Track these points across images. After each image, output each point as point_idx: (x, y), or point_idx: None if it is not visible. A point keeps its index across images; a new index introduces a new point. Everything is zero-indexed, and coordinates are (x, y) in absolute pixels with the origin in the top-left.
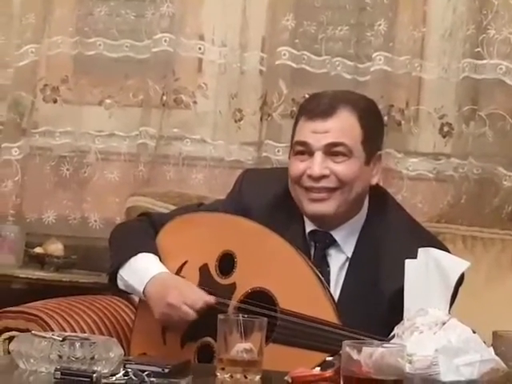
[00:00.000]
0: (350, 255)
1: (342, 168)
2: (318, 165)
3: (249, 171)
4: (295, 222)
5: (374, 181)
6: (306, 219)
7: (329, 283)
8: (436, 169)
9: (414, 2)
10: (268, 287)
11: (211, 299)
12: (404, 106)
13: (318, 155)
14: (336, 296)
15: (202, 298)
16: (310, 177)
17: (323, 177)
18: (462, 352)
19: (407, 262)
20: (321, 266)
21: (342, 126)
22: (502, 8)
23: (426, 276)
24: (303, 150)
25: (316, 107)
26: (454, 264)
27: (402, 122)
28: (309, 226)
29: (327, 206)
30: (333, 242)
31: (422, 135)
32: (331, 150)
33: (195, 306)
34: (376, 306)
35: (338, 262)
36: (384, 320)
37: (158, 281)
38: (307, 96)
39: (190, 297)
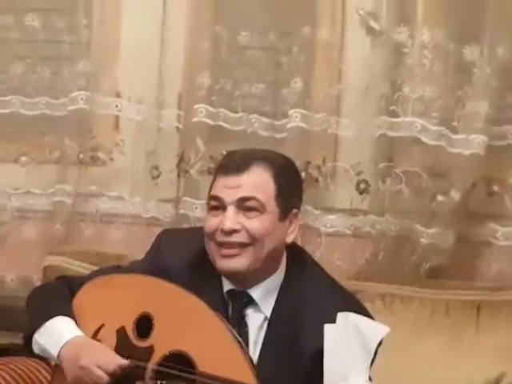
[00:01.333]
0: (268, 315)
1: (254, 223)
2: (229, 219)
3: (167, 231)
4: (213, 281)
5: (290, 239)
6: (223, 278)
7: (247, 344)
8: (353, 225)
9: (330, 60)
10: (186, 350)
11: (125, 362)
12: (321, 162)
13: (230, 209)
14: (255, 357)
15: (115, 360)
16: (222, 231)
17: (234, 231)
18: None
19: (326, 326)
20: (239, 327)
21: (255, 181)
22: (416, 66)
23: (345, 341)
24: (217, 204)
25: (230, 163)
26: (374, 330)
27: (319, 179)
28: (226, 286)
29: (239, 262)
30: (250, 302)
31: (339, 192)
32: (243, 205)
33: (108, 369)
34: (297, 366)
35: (256, 321)
36: (304, 380)
37: (72, 345)
38: (225, 153)
39: (103, 359)
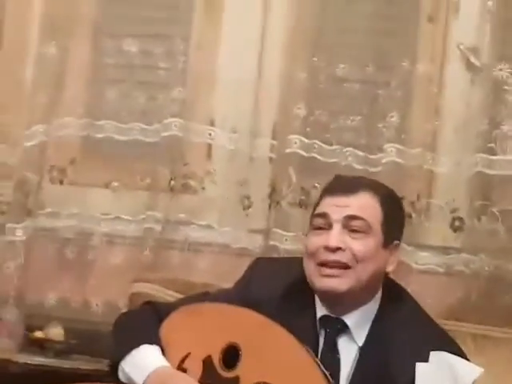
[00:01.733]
0: (360, 344)
1: (359, 244)
2: (335, 236)
3: (260, 260)
4: (306, 307)
5: (390, 268)
6: (317, 305)
7: (338, 373)
8: (446, 263)
9: (428, 95)
10: (272, 382)
11: None
12: (415, 198)
13: (337, 227)
14: None
15: None
16: (326, 248)
17: (339, 249)
18: None
19: (418, 365)
20: (331, 354)
21: (364, 204)
22: None
23: (436, 381)
24: (322, 223)
25: (338, 185)
26: (467, 370)
27: (413, 215)
28: (320, 312)
29: (339, 283)
30: (344, 329)
31: (432, 228)
32: (350, 224)
33: None
34: None
35: (348, 351)
36: None
37: (158, 376)
38: (317, 185)
39: None
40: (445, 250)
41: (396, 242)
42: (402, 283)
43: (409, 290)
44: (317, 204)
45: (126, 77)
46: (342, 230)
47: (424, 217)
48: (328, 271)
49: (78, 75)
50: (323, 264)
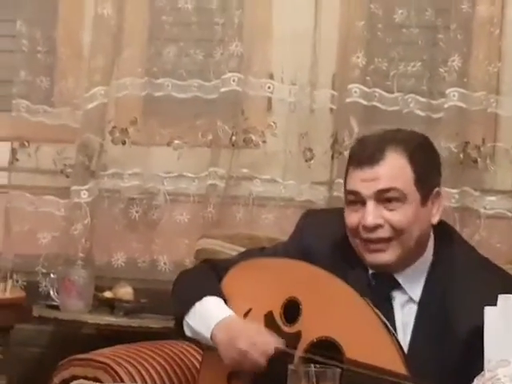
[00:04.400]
0: (417, 298)
1: (397, 216)
2: (370, 214)
3: (310, 212)
4: (358, 263)
5: (435, 220)
6: None
7: (394, 328)
8: None
9: (489, 37)
10: (333, 336)
11: (281, 344)
12: (480, 142)
13: (370, 204)
14: (406, 342)
15: (273, 343)
16: (364, 227)
17: (377, 226)
18: None
19: (486, 309)
20: (384, 309)
21: (392, 171)
22: None
23: (506, 324)
24: (355, 199)
25: (363, 154)
26: None
27: (479, 160)
28: (371, 268)
29: (387, 256)
30: (396, 285)
31: (499, 172)
32: (383, 197)
33: (267, 353)
34: (450, 348)
35: (402, 304)
36: (457, 367)
37: (226, 325)
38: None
39: (261, 343)
40: None
41: (436, 189)
42: (470, 229)
43: (477, 236)
44: (346, 174)
45: (182, 34)
46: (376, 205)
47: (490, 161)
48: (373, 247)
49: (135, 35)
50: (367, 240)
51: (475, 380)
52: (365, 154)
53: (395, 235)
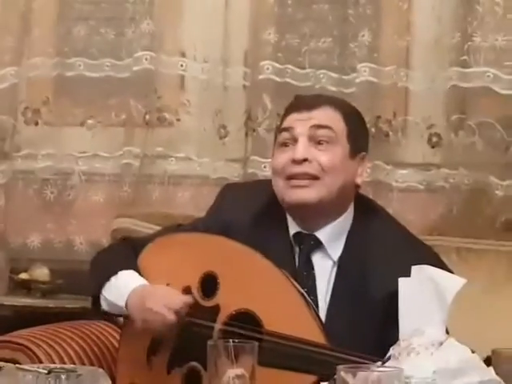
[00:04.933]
0: (336, 259)
1: (325, 155)
2: (301, 148)
3: (228, 186)
4: (279, 226)
5: (359, 180)
6: (289, 223)
7: (315, 289)
8: (426, 180)
9: (398, 12)
10: (252, 308)
11: (189, 298)
12: (391, 116)
13: (302, 140)
14: (325, 304)
15: (179, 297)
16: (292, 162)
17: (306, 160)
18: (460, 373)
19: (401, 280)
20: (306, 270)
21: (327, 115)
22: (487, 15)
23: (420, 294)
24: (287, 137)
25: (301, 102)
26: (450, 282)
27: (390, 133)
28: (293, 229)
29: (308, 193)
30: (318, 245)
31: (410, 146)
32: (315, 134)
33: (175, 307)
34: (368, 312)
35: (323, 266)
36: (374, 330)
37: (138, 291)
38: None
39: (167, 298)
40: (424, 167)
41: (363, 153)
42: (383, 202)
43: (390, 209)
44: (280, 123)
45: (93, 13)
46: (307, 143)
47: (401, 134)
48: (296, 182)
49: (44, 14)
50: (291, 177)
51: (391, 349)
52: (303, 102)
53: (321, 174)
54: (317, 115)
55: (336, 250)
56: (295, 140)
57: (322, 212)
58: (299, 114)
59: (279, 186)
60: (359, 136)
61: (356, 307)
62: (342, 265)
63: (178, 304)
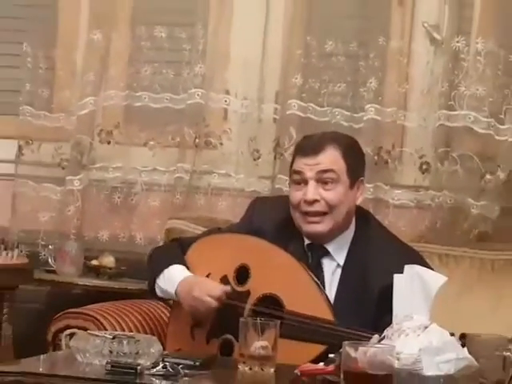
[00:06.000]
0: (341, 263)
1: (331, 194)
2: (310, 191)
3: (259, 199)
4: (296, 237)
5: (359, 201)
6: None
7: (324, 286)
8: (416, 199)
9: (399, 65)
10: (276, 292)
11: (227, 288)
12: (390, 147)
13: (311, 183)
14: (331, 297)
15: (219, 287)
16: (305, 201)
17: (315, 201)
18: (441, 351)
19: (395, 277)
20: (317, 272)
21: (330, 159)
22: (471, 69)
23: (411, 288)
24: (299, 178)
25: (307, 146)
26: (434, 278)
27: (389, 161)
28: (306, 240)
29: (321, 227)
30: (326, 253)
31: (404, 171)
32: (322, 177)
33: (214, 295)
34: (367, 303)
35: (330, 268)
36: (372, 315)
37: (185, 282)
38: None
39: (209, 288)
40: (415, 188)
41: (361, 178)
42: (381, 216)
43: (387, 221)
44: (292, 161)
45: (157, 57)
46: (316, 185)
47: (398, 162)
48: (310, 219)
49: (119, 57)
50: (305, 213)
51: (385, 331)
52: (309, 146)
53: (329, 210)
54: (322, 160)
55: (341, 255)
56: (306, 182)
57: (331, 234)
58: (307, 159)
59: (297, 217)
60: (356, 168)
61: (357, 299)
62: (346, 267)
63: (218, 292)
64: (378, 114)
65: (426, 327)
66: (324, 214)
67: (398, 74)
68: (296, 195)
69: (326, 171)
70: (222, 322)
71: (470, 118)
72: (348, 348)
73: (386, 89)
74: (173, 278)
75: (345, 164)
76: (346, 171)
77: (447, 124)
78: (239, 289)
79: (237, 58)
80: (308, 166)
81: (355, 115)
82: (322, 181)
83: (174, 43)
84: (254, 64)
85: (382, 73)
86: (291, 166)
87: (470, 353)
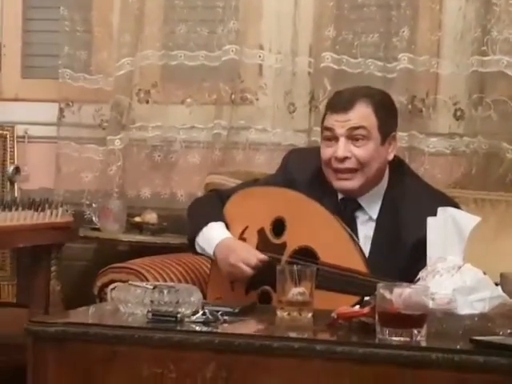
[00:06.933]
0: (375, 217)
1: (361, 151)
2: (341, 148)
3: (294, 150)
4: (330, 190)
5: (390, 157)
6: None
7: (358, 238)
8: (451, 146)
9: (431, 12)
10: (311, 245)
11: (264, 257)
12: (424, 96)
13: (342, 140)
14: (366, 250)
15: (256, 256)
16: (336, 159)
17: (346, 158)
18: (475, 290)
19: (429, 219)
20: (350, 225)
21: (360, 115)
22: (503, 14)
23: (444, 230)
24: (330, 135)
25: (338, 102)
26: (468, 219)
27: (423, 109)
28: (340, 195)
29: (352, 184)
30: (359, 207)
31: (439, 119)
32: (352, 134)
33: (251, 264)
34: (401, 255)
35: (363, 221)
36: (405, 268)
37: (223, 245)
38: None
39: (246, 256)
40: (450, 136)
41: (392, 133)
42: (417, 164)
43: (422, 169)
44: (323, 117)
45: (191, 15)
46: (346, 142)
47: (432, 110)
48: (341, 175)
49: (154, 16)
50: (336, 170)
51: (420, 273)
52: (340, 102)
53: (359, 167)
54: (352, 117)
55: (374, 209)
56: (336, 139)
57: (363, 189)
58: (338, 116)
59: (328, 174)
60: (388, 123)
61: (391, 252)
62: (380, 220)
63: (254, 261)
64: (411, 63)
65: (459, 267)
66: (355, 170)
67: (431, 22)
68: (327, 152)
69: (356, 128)
70: (260, 274)
71: (503, 63)
72: (383, 290)
73: (419, 37)
74: (211, 238)
75: (376, 120)
76: (377, 127)
77: (480, 70)
78: (276, 241)
79: (269, 12)
80: (338, 123)
81: (388, 65)
82: (352, 138)
83: (208, 1)
84: (287, 18)
85: (414, 21)
86: (322, 122)
87: (504, 291)
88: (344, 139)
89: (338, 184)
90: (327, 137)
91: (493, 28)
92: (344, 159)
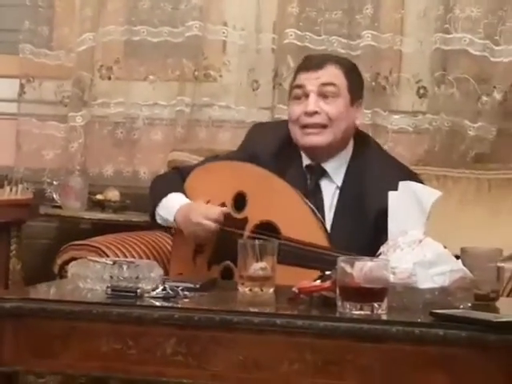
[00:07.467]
0: (339, 184)
1: (331, 107)
2: (312, 103)
3: (256, 125)
4: (295, 159)
5: (358, 122)
6: (303, 156)
7: (323, 209)
8: (414, 123)
9: None
10: (273, 219)
11: (224, 209)
12: (388, 73)
13: (312, 96)
14: (330, 219)
15: (216, 209)
16: (305, 114)
17: (316, 113)
18: (435, 264)
19: (390, 193)
20: (315, 194)
21: (331, 73)
22: None
23: (405, 204)
24: (300, 93)
25: (309, 62)
26: (429, 194)
27: (387, 87)
28: (305, 161)
29: (320, 139)
30: (324, 173)
31: (402, 97)
32: (323, 90)
33: (213, 217)
34: (364, 224)
35: (329, 190)
36: (368, 239)
37: (183, 209)
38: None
39: (207, 211)
40: (413, 113)
41: (360, 100)
42: (380, 141)
43: (386, 147)
44: (293, 79)
45: None
46: (317, 98)
47: (395, 88)
48: (309, 130)
49: None
50: (305, 126)
51: (381, 247)
52: (311, 62)
53: (329, 123)
54: (323, 74)
55: (339, 176)
56: (306, 95)
57: (329, 151)
58: (308, 74)
59: (296, 132)
60: (357, 87)
61: (354, 221)
62: (344, 188)
63: (216, 213)
64: (375, 40)
65: (420, 241)
66: (323, 126)
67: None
68: (296, 109)
69: (327, 84)
70: (222, 249)
71: (465, 41)
72: (343, 264)
73: (382, 15)
74: (171, 205)
75: (346, 80)
76: (346, 87)
77: (443, 47)
78: (237, 216)
79: None
80: (309, 80)
81: (352, 42)
82: (322, 94)
83: None
84: None
85: None
86: (291, 83)
87: (465, 265)
88: (314, 95)
89: (307, 139)
90: (297, 95)
91: (455, 6)
92: (313, 114)
